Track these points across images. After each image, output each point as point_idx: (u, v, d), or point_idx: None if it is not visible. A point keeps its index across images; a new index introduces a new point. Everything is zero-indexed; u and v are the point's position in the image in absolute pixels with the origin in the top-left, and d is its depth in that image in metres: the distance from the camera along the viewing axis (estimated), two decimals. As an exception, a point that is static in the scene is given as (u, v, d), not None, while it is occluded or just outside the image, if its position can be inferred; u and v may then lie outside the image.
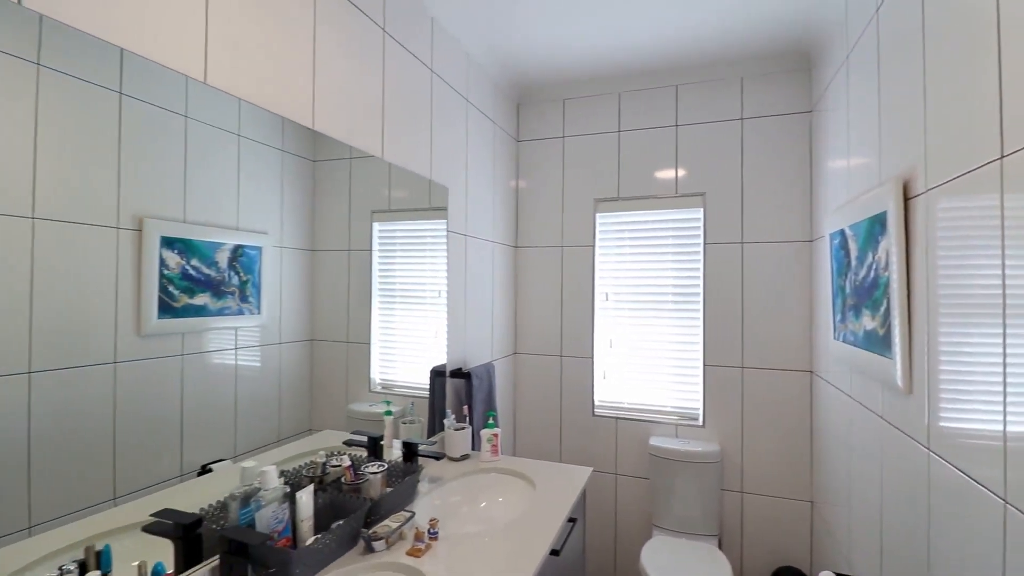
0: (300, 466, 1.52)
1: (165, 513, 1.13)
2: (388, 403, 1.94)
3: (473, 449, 2.18)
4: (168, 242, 1.21)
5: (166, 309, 1.20)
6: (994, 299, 1.03)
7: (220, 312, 1.32)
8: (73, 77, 1.00)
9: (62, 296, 1.01)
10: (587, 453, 2.94)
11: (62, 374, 1.01)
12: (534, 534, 1.52)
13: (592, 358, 2.93)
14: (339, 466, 1.56)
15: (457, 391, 2.37)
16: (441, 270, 2.28)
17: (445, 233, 2.30)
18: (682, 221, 2.79)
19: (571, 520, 1.66)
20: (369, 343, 1.89)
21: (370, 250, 1.88)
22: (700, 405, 2.74)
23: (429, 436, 2.14)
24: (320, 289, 1.64)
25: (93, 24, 1.03)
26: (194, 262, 1.26)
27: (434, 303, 2.24)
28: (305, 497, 1.32)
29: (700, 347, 2.73)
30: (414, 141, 2.10)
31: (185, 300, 1.25)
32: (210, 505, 1.23)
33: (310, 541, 1.29)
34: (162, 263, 1.19)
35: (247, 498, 1.22)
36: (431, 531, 1.45)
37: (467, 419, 2.22)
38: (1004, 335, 1.00)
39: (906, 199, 1.42)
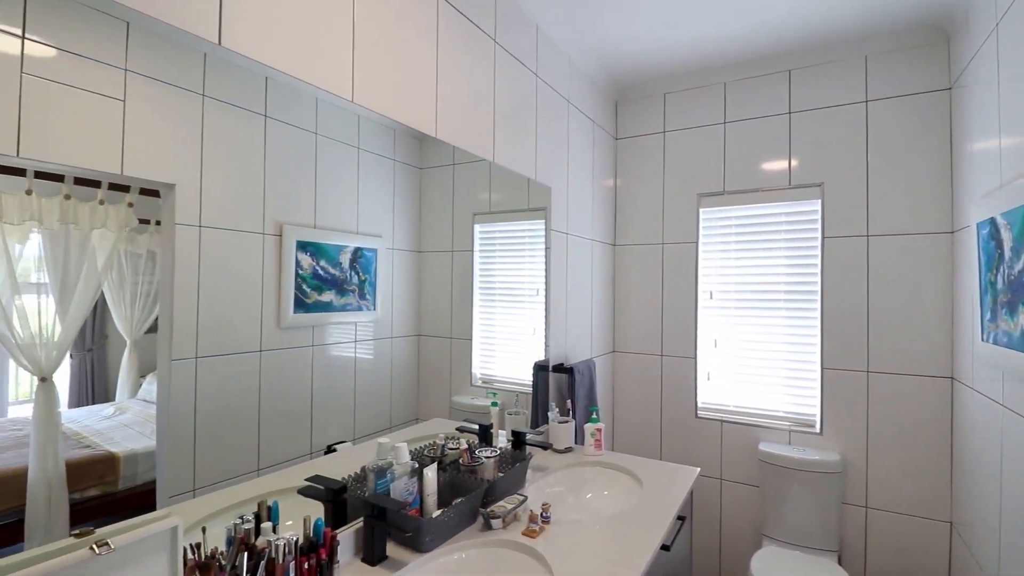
0: (421, 447, 1.65)
1: (316, 479, 1.29)
2: (494, 394, 2.03)
3: (576, 443, 2.20)
4: (302, 246, 1.36)
5: (300, 305, 1.36)
6: None
7: (343, 308, 1.47)
8: (231, 105, 1.17)
9: (222, 292, 1.18)
10: (689, 454, 2.84)
11: (218, 360, 1.18)
12: (643, 528, 1.51)
13: (695, 358, 2.83)
14: (456, 449, 1.67)
15: (559, 386, 2.40)
16: (538, 269, 2.33)
17: (543, 233, 2.34)
18: (796, 214, 2.60)
19: (680, 518, 1.63)
20: (471, 339, 1.98)
21: (471, 251, 1.97)
22: (817, 411, 2.54)
23: (533, 428, 2.20)
24: (426, 288, 1.75)
25: (274, 58, 1.21)
26: (323, 263, 1.41)
27: (532, 301, 2.29)
28: (430, 474, 1.45)
29: (817, 349, 2.53)
30: (521, 143, 2.17)
31: (315, 297, 1.40)
32: (350, 475, 1.38)
33: (436, 513, 1.40)
34: (297, 264, 1.35)
35: (382, 471, 1.35)
36: (543, 515, 1.50)
37: (570, 413, 2.25)
38: None
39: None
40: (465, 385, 1.97)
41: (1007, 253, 1.56)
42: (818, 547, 2.38)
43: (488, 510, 1.49)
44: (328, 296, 1.43)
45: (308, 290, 1.38)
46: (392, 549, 1.33)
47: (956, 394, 2.19)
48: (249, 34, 1.18)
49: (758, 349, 2.68)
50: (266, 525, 1.11)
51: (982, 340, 1.77)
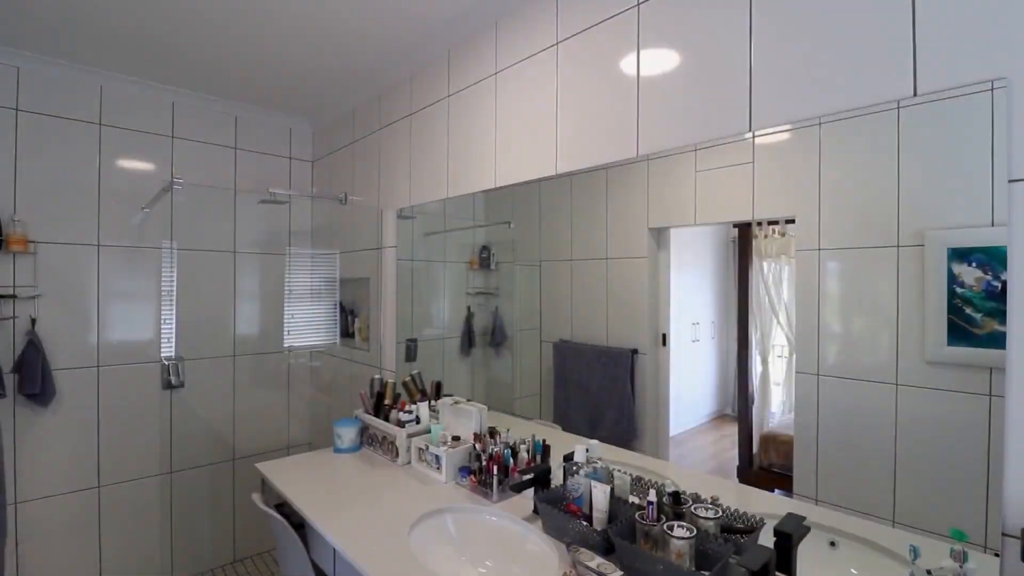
0: None
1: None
2: None
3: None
4: (960, 255, 0.99)
5: (961, 336, 0.99)
6: None
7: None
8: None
9: (845, 312, 1.13)
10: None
11: (847, 382, 1.13)
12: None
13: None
14: None
15: None
16: None
17: None
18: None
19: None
20: None
21: None
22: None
23: None
24: None
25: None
26: (1004, 276, 0.93)
27: None
28: None
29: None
30: None
31: (992, 326, 0.95)
32: None
33: None
34: (953, 280, 1.00)
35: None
36: None
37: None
38: None
39: None
40: None
41: None
42: None
43: None
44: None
45: (977, 316, 0.97)
46: None
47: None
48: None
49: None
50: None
51: None
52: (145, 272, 2.56)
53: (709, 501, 1.24)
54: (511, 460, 1.63)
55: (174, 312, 2.57)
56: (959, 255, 0.98)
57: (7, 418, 2.20)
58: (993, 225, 0.93)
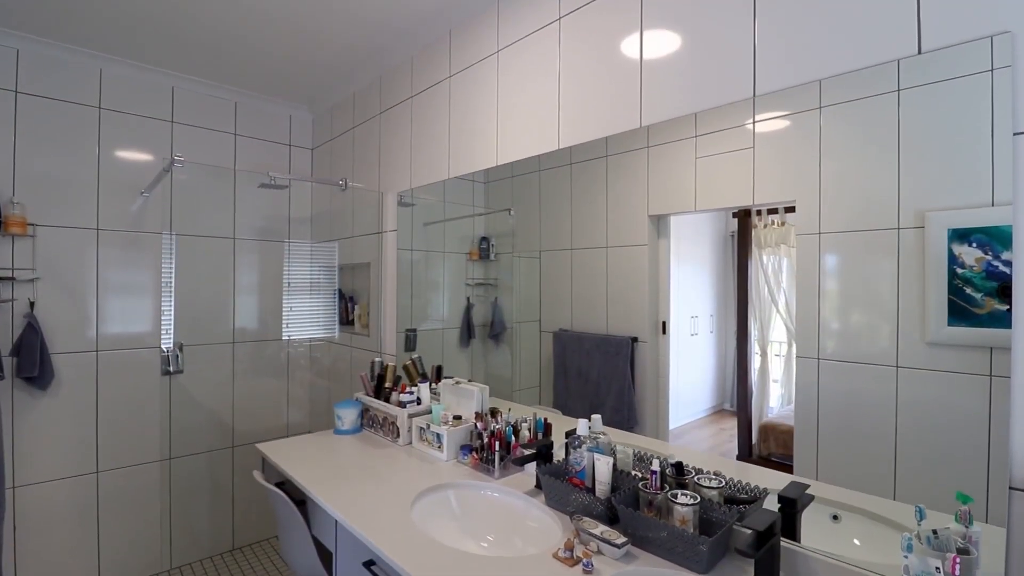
0: None
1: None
2: None
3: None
4: (960, 235, 0.99)
5: (961, 316, 1.00)
6: None
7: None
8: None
9: (842, 296, 1.14)
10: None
11: (848, 365, 1.13)
12: None
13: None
14: None
15: None
16: None
17: None
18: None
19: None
20: None
21: None
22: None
23: None
24: None
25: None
26: (1005, 255, 0.94)
27: None
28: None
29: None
30: None
31: (992, 306, 0.96)
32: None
33: None
34: (953, 261, 1.01)
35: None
36: None
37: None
38: None
39: None
40: None
41: None
42: None
43: None
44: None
45: (978, 296, 0.98)
46: None
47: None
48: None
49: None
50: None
51: None
52: (144, 258, 2.53)
53: (712, 474, 1.25)
54: (513, 438, 1.63)
55: (173, 298, 2.55)
56: (960, 236, 0.98)
57: (5, 401, 2.18)
58: (993, 205, 0.93)
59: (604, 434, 1.42)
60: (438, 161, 2.14)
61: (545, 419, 1.63)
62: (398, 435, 1.89)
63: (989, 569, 0.87)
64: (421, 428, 1.82)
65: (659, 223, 1.50)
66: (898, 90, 1.02)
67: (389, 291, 2.45)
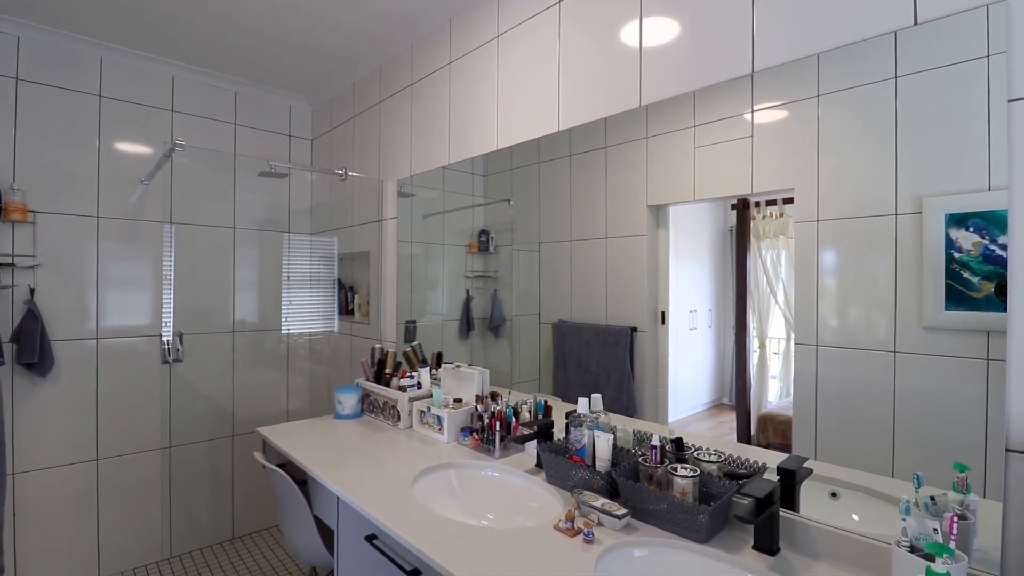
0: None
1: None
2: None
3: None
4: (957, 220, 1.00)
5: (958, 300, 1.00)
6: None
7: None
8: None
9: (842, 283, 1.14)
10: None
11: (846, 351, 1.14)
12: None
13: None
14: None
15: None
16: None
17: None
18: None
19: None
20: None
21: None
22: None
23: None
24: None
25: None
26: (1001, 239, 0.94)
27: None
28: None
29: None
30: None
31: (989, 289, 0.96)
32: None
33: None
34: (950, 245, 1.01)
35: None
36: None
37: None
38: None
39: None
40: None
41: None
42: None
43: None
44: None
45: (975, 280, 0.98)
46: None
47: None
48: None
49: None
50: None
51: None
52: (144, 246, 2.51)
53: (712, 451, 1.26)
54: (513, 419, 1.63)
55: (172, 287, 2.54)
56: (957, 221, 0.98)
57: (5, 387, 2.16)
58: (990, 190, 0.94)
59: (605, 414, 1.42)
60: (438, 147, 2.13)
61: (545, 401, 1.64)
62: (399, 419, 1.89)
63: (986, 541, 0.88)
64: (422, 411, 1.82)
65: (658, 213, 1.50)
66: (895, 77, 1.03)
67: (389, 279, 2.44)
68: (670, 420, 1.49)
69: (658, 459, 1.21)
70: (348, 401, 2.02)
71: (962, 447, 0.94)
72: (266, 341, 2.94)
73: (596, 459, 1.32)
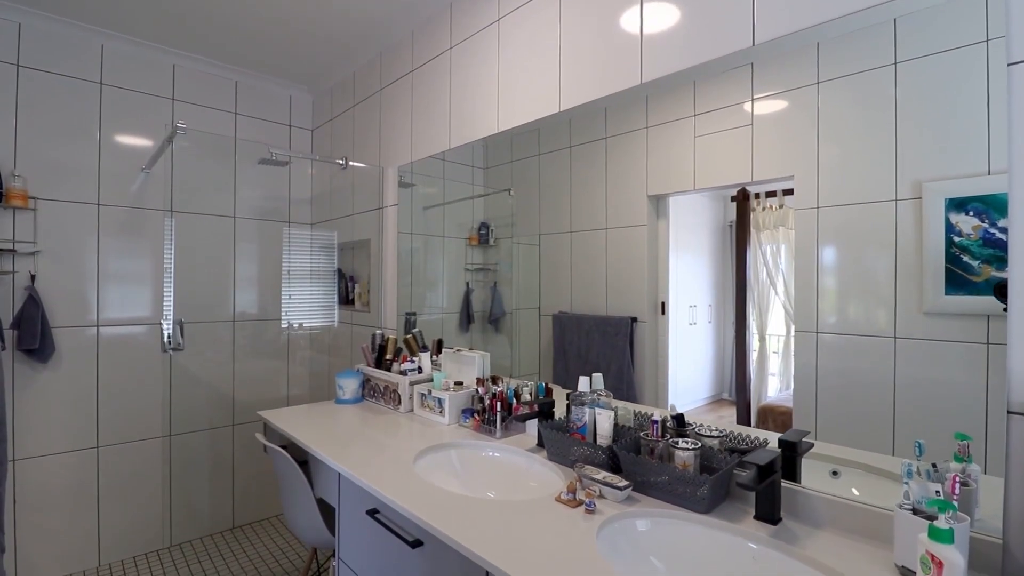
0: None
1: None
2: None
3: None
4: (957, 204, 0.99)
5: (958, 285, 1.00)
6: None
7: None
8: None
9: (843, 269, 1.14)
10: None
11: (846, 338, 1.13)
12: None
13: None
14: None
15: None
16: None
17: None
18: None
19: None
20: None
21: None
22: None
23: None
24: None
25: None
26: (1001, 223, 0.94)
27: None
28: None
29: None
30: None
31: (990, 273, 0.96)
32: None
33: None
34: (950, 229, 1.01)
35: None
36: None
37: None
38: None
39: None
40: None
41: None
42: None
43: None
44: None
45: (975, 264, 0.98)
46: None
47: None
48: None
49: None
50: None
51: None
52: (145, 235, 2.50)
53: (713, 428, 1.26)
54: (514, 400, 1.63)
55: (172, 276, 2.53)
56: (956, 205, 0.98)
57: (6, 372, 2.13)
58: (990, 174, 0.93)
59: (607, 394, 1.42)
60: (439, 132, 2.11)
61: (546, 383, 1.64)
62: (399, 402, 1.88)
63: (987, 511, 0.88)
64: (423, 394, 1.82)
65: (658, 203, 1.49)
66: (895, 63, 1.02)
67: (390, 267, 2.43)
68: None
69: (659, 434, 1.21)
70: (349, 386, 2.02)
71: (962, 429, 0.94)
72: (267, 331, 2.93)
73: (597, 436, 1.33)
